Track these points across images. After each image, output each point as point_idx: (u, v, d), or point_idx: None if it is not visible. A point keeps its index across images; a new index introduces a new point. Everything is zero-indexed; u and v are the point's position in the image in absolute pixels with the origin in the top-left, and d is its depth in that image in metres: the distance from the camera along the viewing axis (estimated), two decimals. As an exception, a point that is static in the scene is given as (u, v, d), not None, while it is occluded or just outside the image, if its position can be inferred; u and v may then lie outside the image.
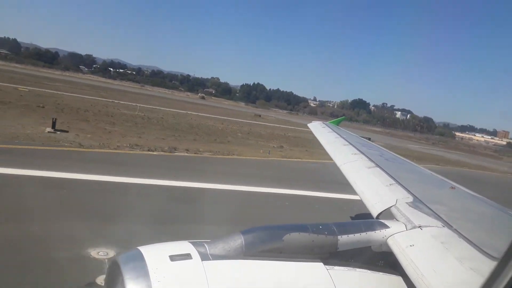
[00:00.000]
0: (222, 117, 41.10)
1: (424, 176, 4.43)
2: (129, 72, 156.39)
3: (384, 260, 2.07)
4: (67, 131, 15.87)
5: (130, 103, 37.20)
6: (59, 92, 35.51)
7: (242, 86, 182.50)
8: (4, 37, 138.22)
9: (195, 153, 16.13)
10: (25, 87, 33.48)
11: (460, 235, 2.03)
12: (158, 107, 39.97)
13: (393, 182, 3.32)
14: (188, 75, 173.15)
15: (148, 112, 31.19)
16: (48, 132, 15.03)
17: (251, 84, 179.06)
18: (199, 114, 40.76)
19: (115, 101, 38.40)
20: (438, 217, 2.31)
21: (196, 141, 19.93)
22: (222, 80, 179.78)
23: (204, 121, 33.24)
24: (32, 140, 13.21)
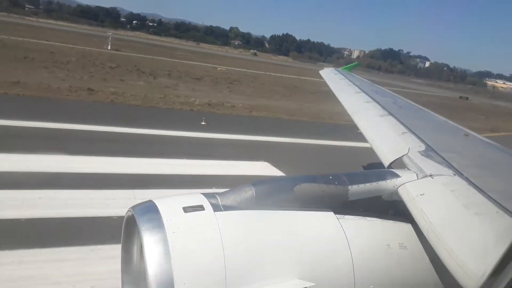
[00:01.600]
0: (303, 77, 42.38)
1: (438, 124, 4.33)
2: (150, 24, 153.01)
3: (394, 209, 2.09)
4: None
5: (210, 65, 39.34)
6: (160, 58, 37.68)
7: (272, 37, 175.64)
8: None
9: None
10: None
11: (471, 183, 2.02)
12: (235, 68, 40.91)
13: (406, 130, 3.26)
14: (211, 26, 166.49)
15: (237, 75, 33.04)
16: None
17: (280, 35, 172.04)
18: (277, 74, 41.58)
19: (202, 63, 40.42)
20: (450, 165, 2.29)
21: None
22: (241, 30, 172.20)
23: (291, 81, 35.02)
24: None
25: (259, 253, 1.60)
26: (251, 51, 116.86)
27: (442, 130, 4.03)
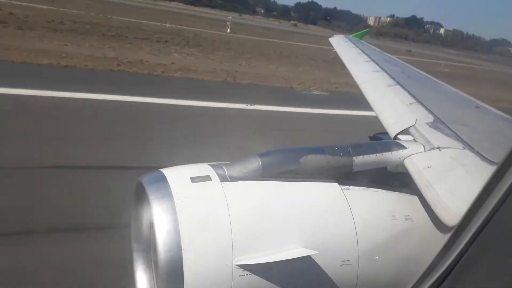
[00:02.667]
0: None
1: (448, 95, 4.23)
2: None
3: (399, 181, 2.09)
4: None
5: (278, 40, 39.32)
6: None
7: (297, 5, 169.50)
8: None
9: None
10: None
11: (482, 157, 1.98)
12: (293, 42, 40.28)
13: (414, 101, 3.19)
14: None
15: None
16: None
17: (305, 2, 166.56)
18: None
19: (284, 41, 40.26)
20: (459, 138, 2.25)
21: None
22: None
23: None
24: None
25: (264, 222, 1.63)
26: (291, 22, 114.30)
27: (452, 102, 3.95)
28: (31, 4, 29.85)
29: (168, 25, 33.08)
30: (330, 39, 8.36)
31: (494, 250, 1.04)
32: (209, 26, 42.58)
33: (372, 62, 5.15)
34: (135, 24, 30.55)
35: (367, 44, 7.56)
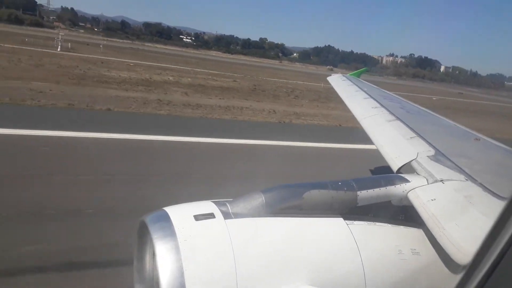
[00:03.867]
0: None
1: (447, 128, 4.29)
2: (188, 39, 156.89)
3: (404, 214, 2.08)
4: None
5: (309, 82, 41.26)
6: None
7: (315, 49, 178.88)
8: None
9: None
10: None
11: (485, 188, 1.98)
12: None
13: (414, 135, 3.24)
14: (249, 39, 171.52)
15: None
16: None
17: (322, 47, 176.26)
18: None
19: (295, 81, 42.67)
20: (461, 170, 2.26)
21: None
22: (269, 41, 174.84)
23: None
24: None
25: (269, 260, 1.61)
26: (328, 66, 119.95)
27: (452, 135, 4.00)
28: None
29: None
30: (328, 78, 8.60)
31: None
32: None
33: (371, 99, 5.28)
34: (290, 84, 34.78)
35: (364, 81, 7.79)
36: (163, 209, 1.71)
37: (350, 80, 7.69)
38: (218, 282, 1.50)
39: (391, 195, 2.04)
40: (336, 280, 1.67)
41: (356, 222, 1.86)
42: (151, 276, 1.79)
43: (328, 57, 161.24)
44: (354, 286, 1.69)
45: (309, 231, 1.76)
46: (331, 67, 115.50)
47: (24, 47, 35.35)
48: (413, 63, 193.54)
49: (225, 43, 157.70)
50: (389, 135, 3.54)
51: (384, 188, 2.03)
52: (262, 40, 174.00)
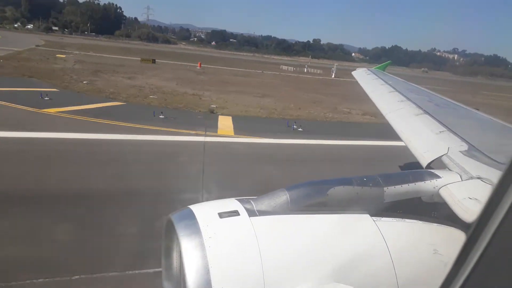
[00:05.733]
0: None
1: (482, 122, 4.08)
2: (231, 41, 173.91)
3: (436, 211, 2.00)
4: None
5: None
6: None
7: (381, 49, 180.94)
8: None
9: None
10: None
11: None
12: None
13: (444, 129, 3.13)
14: (308, 41, 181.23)
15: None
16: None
17: (388, 47, 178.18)
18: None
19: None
20: (500, 167, 2.12)
21: None
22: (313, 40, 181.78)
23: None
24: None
25: (295, 257, 1.59)
26: (422, 69, 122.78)
27: (487, 129, 3.79)
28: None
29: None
30: (353, 73, 8.44)
31: None
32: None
33: (397, 92, 5.13)
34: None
35: (389, 75, 7.58)
36: (188, 207, 1.72)
37: (375, 74, 7.51)
38: (244, 279, 1.50)
39: (420, 192, 1.96)
40: (365, 278, 1.63)
41: (383, 219, 1.80)
42: (179, 273, 1.82)
43: (397, 57, 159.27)
44: (384, 283, 1.64)
45: (334, 227, 1.73)
46: (426, 69, 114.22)
47: (301, 75, 41.27)
48: (481, 61, 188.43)
49: (287, 46, 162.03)
50: (416, 129, 3.42)
51: (413, 184, 1.95)
52: (316, 41, 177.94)
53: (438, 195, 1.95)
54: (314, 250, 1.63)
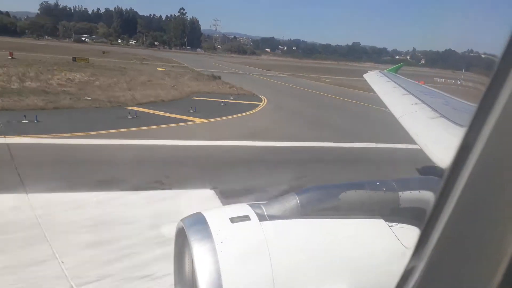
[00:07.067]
0: None
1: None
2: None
3: None
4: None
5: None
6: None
7: (436, 53, 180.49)
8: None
9: None
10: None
11: None
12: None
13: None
14: (383, 48, 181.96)
15: None
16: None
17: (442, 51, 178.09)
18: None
19: None
20: None
21: None
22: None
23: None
24: None
25: (306, 261, 1.58)
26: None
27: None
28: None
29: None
30: (365, 75, 8.37)
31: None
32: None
33: (411, 95, 5.05)
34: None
35: (402, 77, 7.47)
36: (200, 212, 1.73)
37: (387, 77, 7.42)
38: (255, 283, 1.49)
39: None
40: (382, 284, 1.59)
41: (400, 225, 1.76)
42: (190, 278, 1.82)
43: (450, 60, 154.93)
44: None
45: (347, 232, 1.70)
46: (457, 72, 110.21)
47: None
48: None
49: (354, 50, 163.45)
50: (433, 133, 3.36)
51: (431, 190, 1.90)
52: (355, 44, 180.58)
53: None
54: (325, 255, 1.61)
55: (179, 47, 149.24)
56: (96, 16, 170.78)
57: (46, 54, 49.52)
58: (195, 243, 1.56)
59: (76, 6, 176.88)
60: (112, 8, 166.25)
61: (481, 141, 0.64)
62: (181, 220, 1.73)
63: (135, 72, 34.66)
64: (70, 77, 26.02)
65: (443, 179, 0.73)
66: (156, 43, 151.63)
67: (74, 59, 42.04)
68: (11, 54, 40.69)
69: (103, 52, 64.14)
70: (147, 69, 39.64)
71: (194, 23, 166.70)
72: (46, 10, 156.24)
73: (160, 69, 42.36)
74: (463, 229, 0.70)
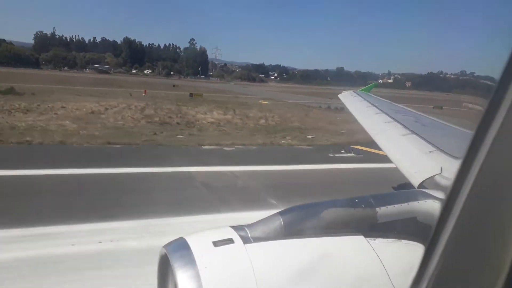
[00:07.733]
0: None
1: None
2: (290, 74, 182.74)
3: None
4: None
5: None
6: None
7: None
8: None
9: None
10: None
11: None
12: None
13: (433, 149, 3.16)
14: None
15: None
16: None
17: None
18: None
19: None
20: None
21: None
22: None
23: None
24: None
25: (292, 282, 1.58)
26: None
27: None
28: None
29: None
30: (340, 95, 8.51)
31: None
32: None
33: (383, 114, 5.23)
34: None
35: (375, 96, 7.67)
36: (182, 238, 1.72)
37: (361, 96, 7.57)
38: None
39: (415, 212, 1.96)
40: None
41: (378, 240, 1.79)
42: None
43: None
44: None
45: (329, 251, 1.72)
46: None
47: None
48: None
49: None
50: (405, 149, 3.46)
51: (406, 204, 1.96)
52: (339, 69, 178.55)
53: (433, 215, 1.94)
54: (310, 274, 1.62)
55: (192, 76, 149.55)
56: (93, 45, 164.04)
57: (131, 89, 47.76)
58: (179, 269, 1.53)
59: (72, 36, 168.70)
60: (107, 37, 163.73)
61: (482, 153, 0.69)
62: (164, 246, 1.71)
63: (265, 108, 33.82)
64: (258, 116, 26.31)
65: (447, 191, 0.78)
66: (171, 73, 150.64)
67: (191, 95, 43.25)
68: (145, 92, 41.98)
69: (173, 86, 63.36)
70: (258, 104, 38.72)
71: (203, 52, 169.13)
72: (42, 40, 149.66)
73: (263, 102, 41.84)
74: (468, 241, 0.73)
